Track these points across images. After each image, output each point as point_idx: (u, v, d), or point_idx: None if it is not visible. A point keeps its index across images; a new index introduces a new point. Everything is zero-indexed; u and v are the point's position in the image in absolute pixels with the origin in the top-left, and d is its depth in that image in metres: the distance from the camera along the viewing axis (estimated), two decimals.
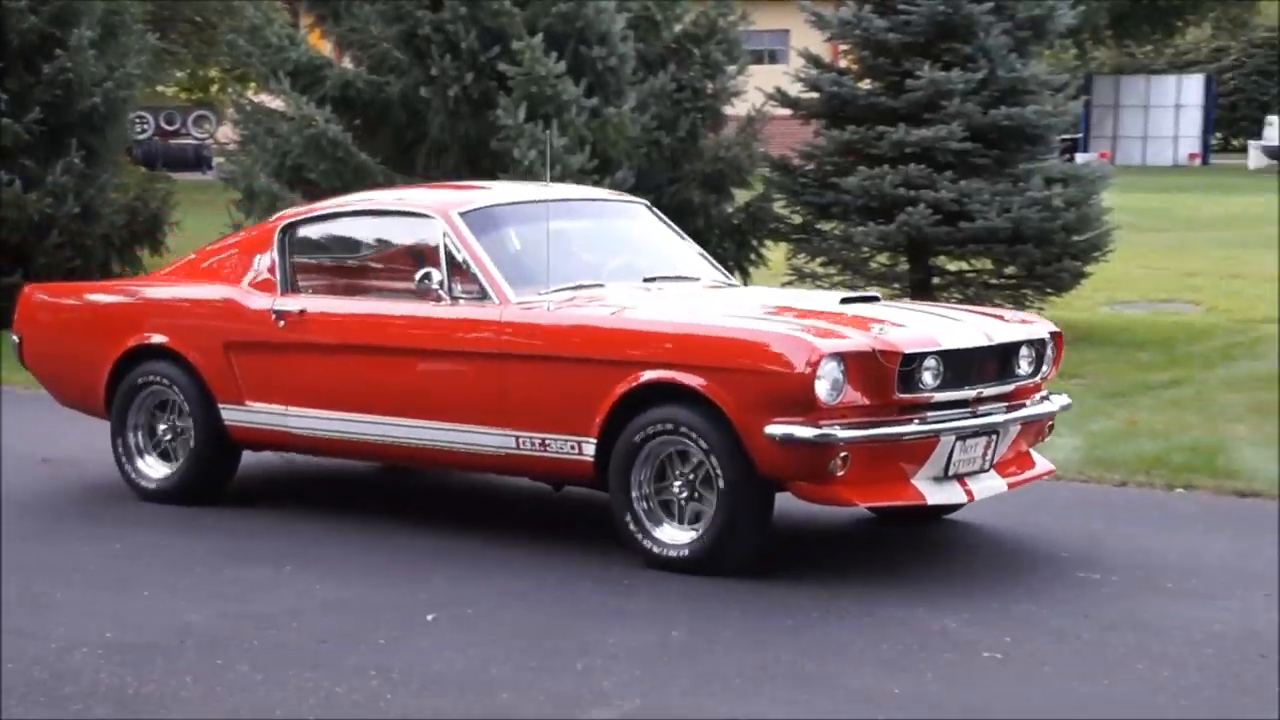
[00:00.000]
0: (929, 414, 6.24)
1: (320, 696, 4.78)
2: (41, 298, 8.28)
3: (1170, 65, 45.90)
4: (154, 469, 7.61)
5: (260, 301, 7.37)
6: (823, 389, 6.05)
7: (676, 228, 8.03)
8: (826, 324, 6.48)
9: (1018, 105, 12.20)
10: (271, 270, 7.44)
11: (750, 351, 6.35)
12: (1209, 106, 43.11)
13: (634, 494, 6.47)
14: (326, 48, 13.85)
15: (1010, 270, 12.49)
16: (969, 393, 6.35)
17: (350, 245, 7.82)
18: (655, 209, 7.99)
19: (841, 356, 6.09)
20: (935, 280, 12.76)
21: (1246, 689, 5.00)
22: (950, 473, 6.34)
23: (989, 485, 6.49)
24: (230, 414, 7.40)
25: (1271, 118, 39.82)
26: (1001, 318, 7.01)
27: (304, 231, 7.66)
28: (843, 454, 6.13)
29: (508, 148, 11.53)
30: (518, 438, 6.78)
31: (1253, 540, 6.89)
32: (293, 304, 7.29)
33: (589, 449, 6.59)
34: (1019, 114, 12.08)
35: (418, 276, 6.89)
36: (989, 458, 6.46)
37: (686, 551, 6.33)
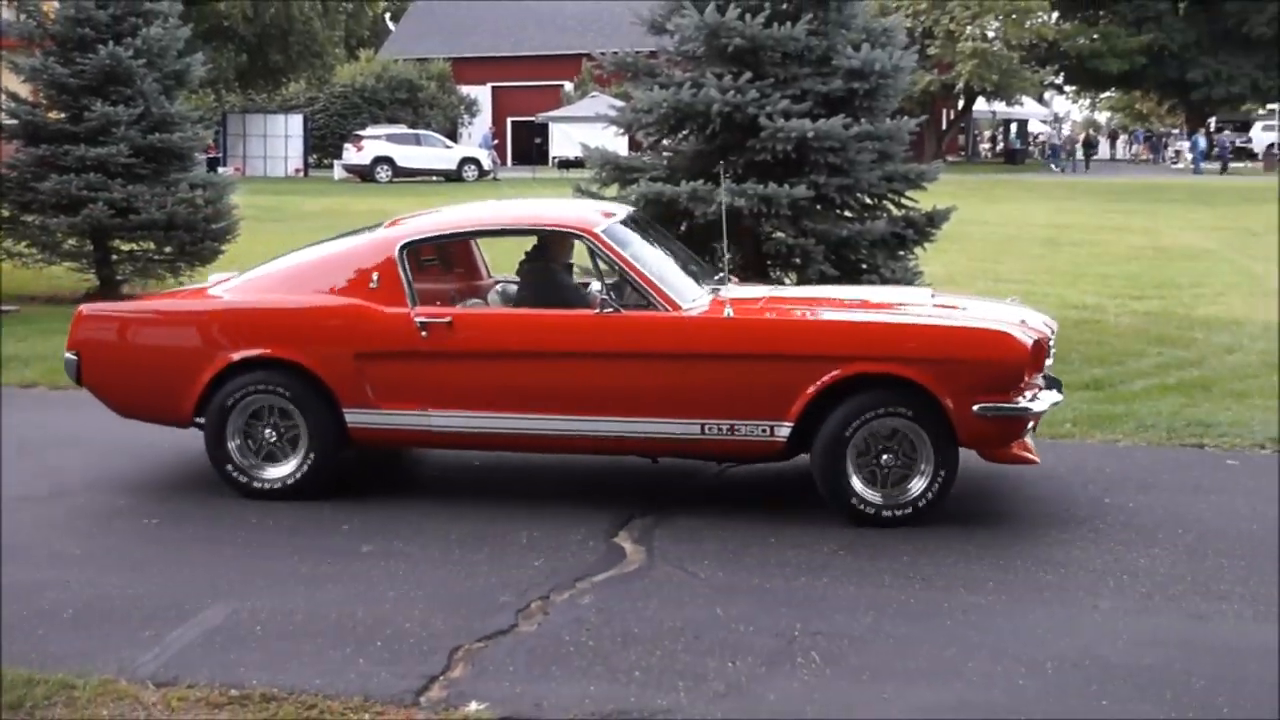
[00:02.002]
0: (1041, 390, 6.94)
1: None
2: (104, 316, 7.75)
3: (280, 107, 52.39)
4: (266, 470, 7.35)
5: (396, 313, 7.16)
6: (1028, 372, 6.74)
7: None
8: (1006, 317, 7.09)
9: (168, 132, 14.91)
10: (394, 284, 7.21)
11: (969, 343, 6.77)
12: (306, 136, 50.38)
13: (849, 466, 6.80)
14: None
15: (168, 249, 15.12)
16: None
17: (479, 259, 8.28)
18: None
19: (1036, 344, 6.80)
20: (114, 257, 15.21)
21: None
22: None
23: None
24: (357, 417, 7.23)
25: (348, 145, 46.61)
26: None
27: (428, 248, 7.77)
28: (1031, 423, 6.89)
29: None
30: (703, 425, 6.92)
31: None
32: (436, 315, 7.16)
33: (783, 431, 6.84)
34: (169, 139, 14.87)
35: (599, 290, 7.13)
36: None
37: (902, 511, 6.77)
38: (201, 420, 7.45)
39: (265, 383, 7.29)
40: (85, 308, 7.84)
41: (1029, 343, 6.77)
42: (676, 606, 5.70)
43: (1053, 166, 58.87)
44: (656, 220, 10.91)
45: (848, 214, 11.48)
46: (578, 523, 6.87)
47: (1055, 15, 63.15)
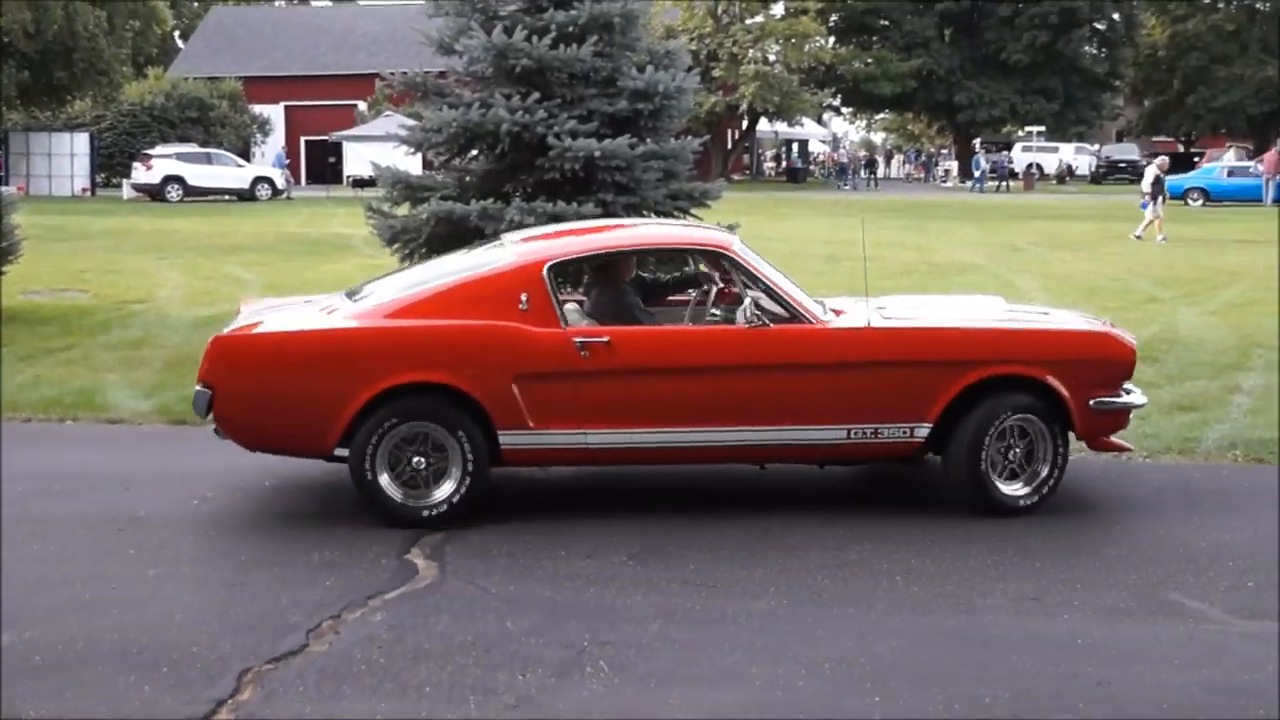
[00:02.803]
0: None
1: None
2: (245, 343, 7.13)
3: (65, 125, 50.29)
4: (422, 497, 7.00)
5: (553, 334, 7.03)
6: (1132, 370, 7.47)
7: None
8: (1102, 322, 7.93)
9: None
10: (545, 304, 7.04)
11: (1087, 345, 7.45)
12: (93, 155, 48.35)
13: (982, 460, 7.15)
14: None
15: None
16: None
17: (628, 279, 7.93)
18: None
19: (1134, 347, 7.55)
20: None
21: None
22: None
23: None
24: (512, 439, 7.01)
25: (137, 164, 44.94)
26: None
27: (570, 269, 7.42)
28: (1134, 414, 7.58)
29: None
30: (849, 430, 7.16)
31: None
32: (594, 335, 7.07)
33: (922, 432, 7.20)
34: None
35: (744, 308, 7.12)
36: None
37: (1029, 498, 7.23)
38: (342, 450, 7.00)
39: (420, 408, 6.97)
40: (220, 337, 7.16)
41: (1134, 344, 7.55)
42: (468, 621, 5.63)
43: (840, 185, 60.37)
44: (448, 239, 10.87)
45: None
46: (371, 541, 6.74)
47: (832, 40, 64.96)
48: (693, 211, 11.69)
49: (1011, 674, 5.13)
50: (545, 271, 7.13)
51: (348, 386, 6.90)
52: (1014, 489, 7.26)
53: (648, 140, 11.20)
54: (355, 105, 58.48)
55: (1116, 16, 69.42)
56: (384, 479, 6.97)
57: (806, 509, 7.44)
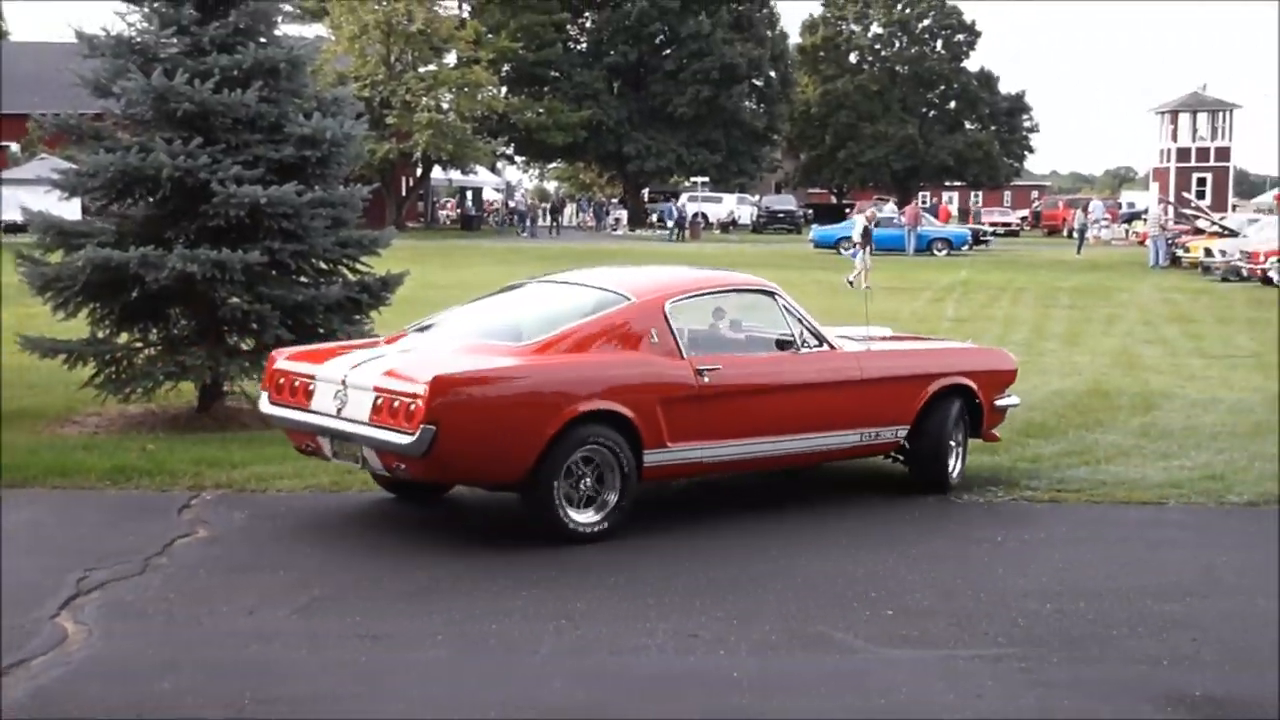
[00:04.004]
0: None
1: None
2: (466, 380, 7.34)
3: None
4: (586, 516, 7.62)
5: (678, 364, 8.00)
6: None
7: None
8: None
9: None
10: (668, 338, 8.02)
11: (996, 360, 9.94)
12: None
13: (951, 445, 9.19)
14: None
15: None
16: None
17: (712, 313, 8.82)
18: None
19: None
20: None
21: None
22: None
23: None
24: (652, 457, 7.83)
25: None
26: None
27: (680, 307, 8.28)
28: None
29: None
30: (862, 433, 8.88)
31: None
32: (709, 363, 8.10)
33: (903, 432, 9.08)
34: None
35: (796, 336, 8.61)
36: None
37: (958, 477, 9.27)
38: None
39: (596, 434, 7.61)
40: (442, 377, 7.26)
41: (1015, 360, 10.21)
42: (120, 685, 5.36)
43: (520, 233, 60.71)
44: (104, 287, 10.39)
45: (303, 279, 11.35)
46: (13, 604, 6.33)
47: (504, 90, 65.48)
48: (363, 260, 11.55)
49: (669, 711, 5.24)
50: (665, 309, 8.15)
51: (546, 416, 7.46)
52: (954, 465, 9.26)
53: (316, 187, 11.03)
54: (7, 147, 55.18)
55: (774, 74, 72.67)
56: (562, 497, 7.55)
57: (471, 557, 7.42)
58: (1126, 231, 58.52)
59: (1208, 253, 33.81)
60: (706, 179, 69.20)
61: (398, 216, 55.69)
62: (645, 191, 75.03)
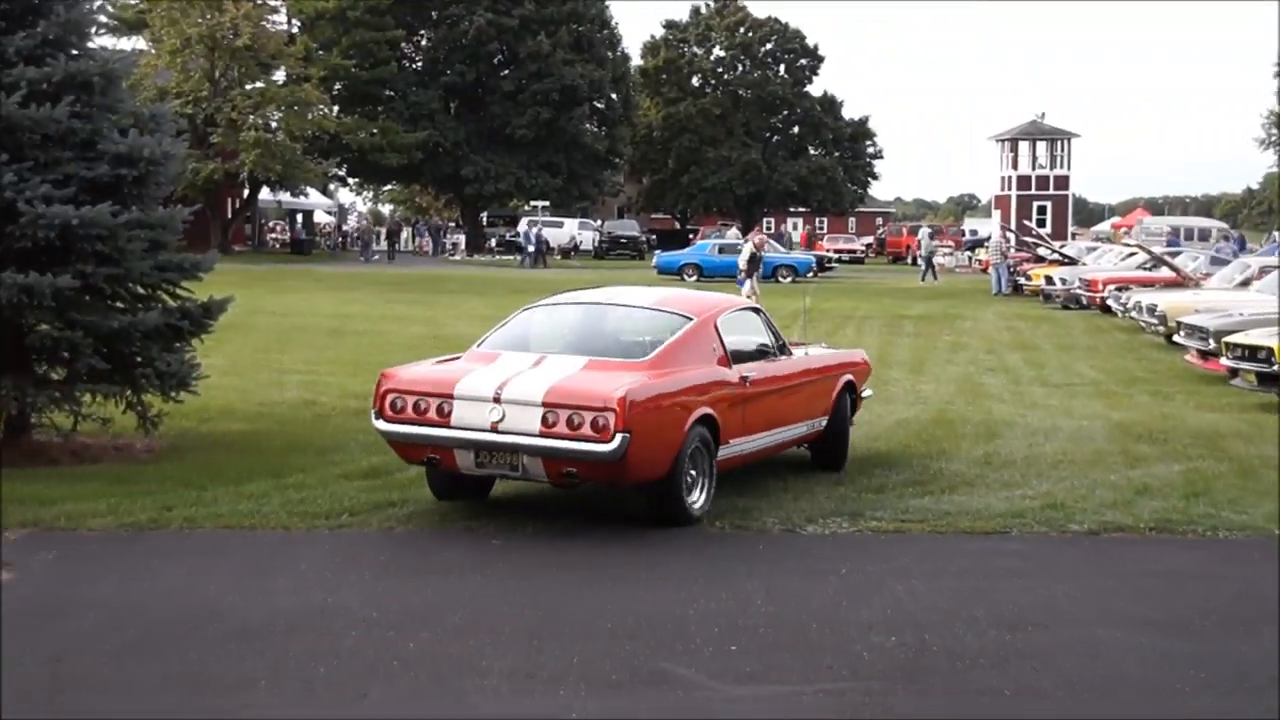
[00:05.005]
0: None
1: None
2: (652, 394, 8.92)
3: None
4: (693, 499, 9.29)
5: (731, 370, 9.83)
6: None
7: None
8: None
9: None
10: (724, 349, 9.89)
11: (861, 359, 12.26)
12: None
13: (848, 428, 11.56)
14: None
15: None
16: None
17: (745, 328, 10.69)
18: None
19: None
20: None
21: None
22: None
23: None
24: (722, 451, 9.60)
25: None
26: None
27: (722, 322, 10.11)
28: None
29: None
30: (810, 425, 10.98)
31: None
32: (747, 370, 10.01)
33: (824, 423, 11.14)
34: None
35: (773, 345, 10.67)
36: None
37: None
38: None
39: (701, 433, 9.31)
40: (629, 393, 8.68)
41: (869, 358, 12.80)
42: None
43: (362, 258, 59.99)
44: None
45: (119, 305, 11.05)
46: None
47: (336, 109, 64.68)
48: (184, 285, 11.29)
49: None
50: (718, 324, 10.05)
51: (684, 419, 9.15)
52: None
53: (133, 208, 10.75)
54: None
55: (615, 96, 73.09)
56: (684, 487, 9.17)
57: (305, 595, 7.26)
58: (969, 259, 60.14)
59: (1049, 280, 34.91)
60: (547, 203, 69.26)
61: (223, 240, 54.61)
62: (484, 215, 74.76)
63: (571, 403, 8.69)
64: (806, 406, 10.82)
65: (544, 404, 8.71)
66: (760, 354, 10.47)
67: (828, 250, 61.49)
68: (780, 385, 10.37)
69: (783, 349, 10.74)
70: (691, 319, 9.89)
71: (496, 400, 8.82)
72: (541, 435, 8.69)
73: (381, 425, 9.22)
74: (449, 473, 9.28)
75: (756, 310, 11.02)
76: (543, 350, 9.62)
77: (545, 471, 8.85)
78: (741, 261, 30.98)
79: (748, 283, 30.08)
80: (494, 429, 8.81)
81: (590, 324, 10.23)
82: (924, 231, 59.66)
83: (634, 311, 10.31)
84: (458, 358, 9.82)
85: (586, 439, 8.61)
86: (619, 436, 8.54)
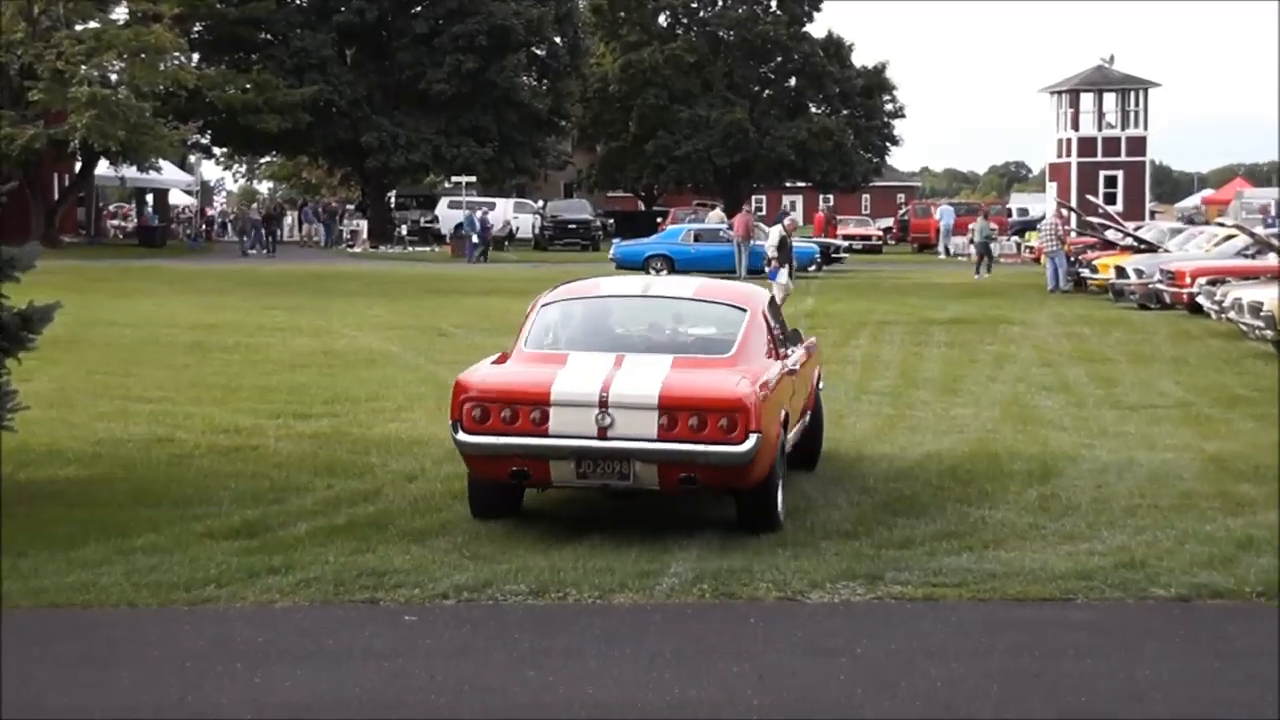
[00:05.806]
0: None
1: None
2: (766, 395, 10.53)
3: None
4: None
5: (786, 364, 11.60)
6: None
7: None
8: None
9: None
10: (768, 340, 11.54)
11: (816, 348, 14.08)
12: None
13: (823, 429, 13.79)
14: None
15: None
16: None
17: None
18: None
19: None
20: None
21: None
22: None
23: None
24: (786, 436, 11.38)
25: None
26: None
27: (769, 310, 11.94)
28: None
29: None
30: (806, 419, 12.78)
31: None
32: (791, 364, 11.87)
33: (809, 417, 12.95)
34: None
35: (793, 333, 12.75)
36: None
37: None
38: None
39: (783, 430, 11.18)
40: (754, 391, 10.29)
41: None
42: None
43: (248, 251, 59.77)
44: None
45: None
46: None
47: (196, 58, 64.34)
48: None
49: None
50: (765, 314, 11.80)
51: (779, 416, 10.86)
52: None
53: None
54: None
55: (560, 40, 73.05)
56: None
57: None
58: (1018, 246, 60.33)
59: (1120, 272, 34.95)
60: (473, 179, 69.01)
61: (47, 228, 54.37)
62: (392, 195, 74.61)
63: (695, 404, 10.08)
64: (806, 399, 12.57)
65: (661, 406, 10.02)
66: (782, 344, 12.03)
67: (839, 237, 61.51)
68: (800, 378, 12.05)
69: (793, 338, 12.50)
70: (746, 310, 11.54)
71: (603, 405, 10.06)
72: (660, 439, 10.02)
73: (464, 438, 10.34)
74: (500, 487, 10.71)
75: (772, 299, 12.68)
76: (603, 348, 10.96)
77: (660, 479, 10.18)
78: (770, 249, 31.01)
79: (781, 273, 30.05)
80: (601, 435, 10.06)
81: (645, 319, 11.85)
82: (944, 210, 59.70)
83: (680, 304, 12.00)
84: (506, 358, 11.18)
85: (714, 441, 10.00)
86: (753, 437, 10.02)
